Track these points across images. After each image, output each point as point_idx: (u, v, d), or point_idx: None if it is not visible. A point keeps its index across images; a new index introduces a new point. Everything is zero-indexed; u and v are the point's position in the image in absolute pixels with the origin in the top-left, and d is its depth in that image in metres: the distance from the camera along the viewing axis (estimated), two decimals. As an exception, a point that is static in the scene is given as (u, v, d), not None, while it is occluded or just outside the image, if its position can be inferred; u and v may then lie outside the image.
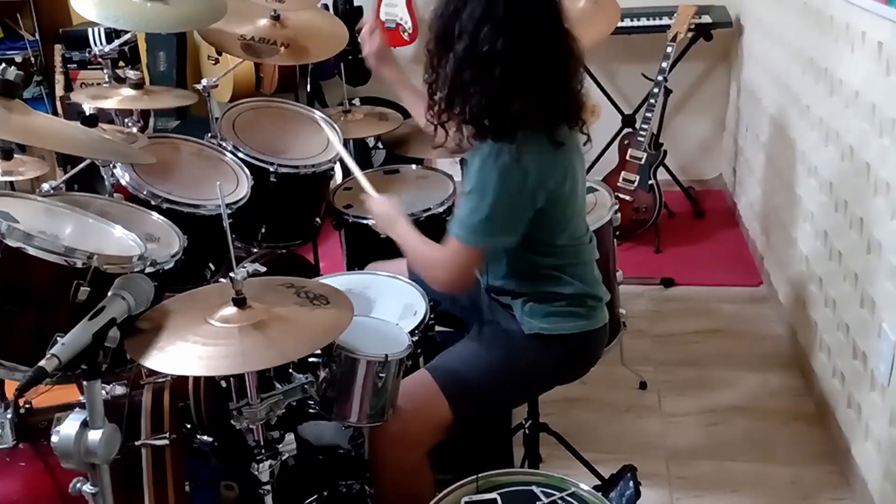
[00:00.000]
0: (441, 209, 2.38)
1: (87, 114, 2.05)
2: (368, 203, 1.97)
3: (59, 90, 4.03)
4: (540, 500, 1.48)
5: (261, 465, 1.54)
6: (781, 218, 3.07)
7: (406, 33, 4.09)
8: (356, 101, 3.15)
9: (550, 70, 1.60)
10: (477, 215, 1.62)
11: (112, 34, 3.90)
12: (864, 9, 2.22)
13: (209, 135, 2.35)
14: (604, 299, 1.83)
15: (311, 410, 1.73)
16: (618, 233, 2.25)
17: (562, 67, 1.62)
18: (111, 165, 2.04)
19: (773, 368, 2.80)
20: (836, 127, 2.46)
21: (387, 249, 2.35)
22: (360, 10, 4.13)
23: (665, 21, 3.69)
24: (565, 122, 1.66)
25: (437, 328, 2.02)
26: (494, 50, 1.55)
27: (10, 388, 1.55)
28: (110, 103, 2.24)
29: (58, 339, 1.21)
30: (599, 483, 2.04)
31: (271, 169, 2.28)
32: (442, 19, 1.63)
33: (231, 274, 1.44)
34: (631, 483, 1.74)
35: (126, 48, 3.74)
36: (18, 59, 4.18)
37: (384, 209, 1.91)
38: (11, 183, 2.48)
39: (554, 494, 1.49)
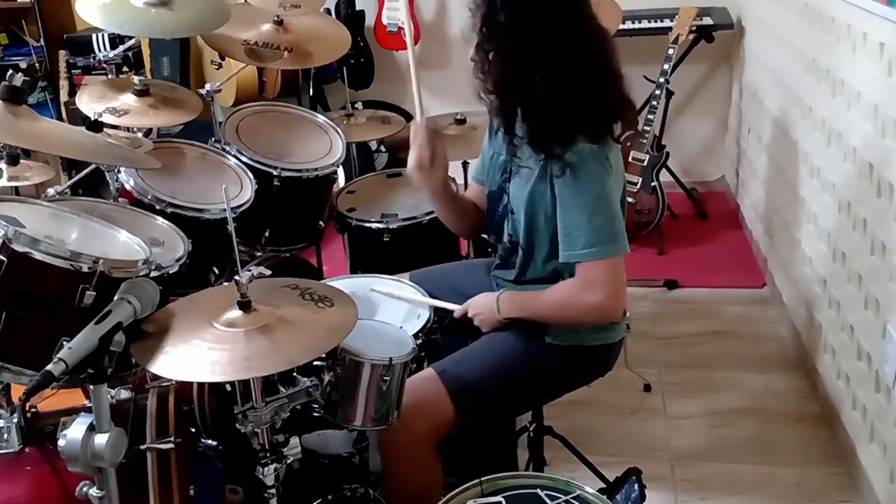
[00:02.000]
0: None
1: (93, 119, 2.06)
2: (470, 311, 1.84)
3: (64, 96, 4.04)
4: (545, 503, 1.48)
5: (266, 468, 1.54)
6: (785, 219, 3.07)
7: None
8: (358, 105, 3.17)
9: (610, 73, 1.65)
10: (607, 221, 1.61)
11: (116, 40, 3.92)
12: (865, 10, 2.22)
13: (213, 139, 2.36)
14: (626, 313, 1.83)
15: (315, 414, 1.73)
16: (621, 235, 2.25)
17: (607, 67, 1.66)
18: (116, 170, 2.05)
19: (777, 370, 2.80)
20: (839, 128, 2.46)
21: (389, 255, 2.36)
22: (362, 14, 4.14)
23: (666, 23, 3.69)
24: (620, 121, 1.68)
25: (442, 332, 2.02)
26: (573, 55, 1.60)
27: (17, 393, 1.55)
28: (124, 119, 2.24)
29: (64, 343, 1.22)
30: (604, 486, 2.04)
31: (275, 173, 2.28)
32: (508, 35, 1.64)
33: (236, 277, 1.45)
34: (636, 486, 1.74)
35: (130, 53, 3.75)
36: (23, 64, 4.19)
37: (484, 301, 1.81)
38: (17, 188, 2.49)
39: (559, 497, 1.49)
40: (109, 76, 2.49)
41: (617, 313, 1.70)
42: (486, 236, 2.05)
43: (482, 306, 1.81)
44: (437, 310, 1.91)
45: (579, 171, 1.61)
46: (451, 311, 1.87)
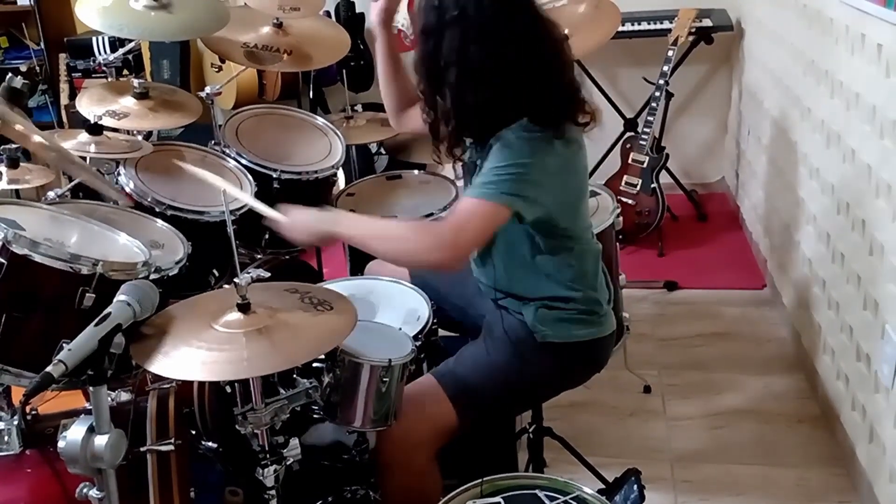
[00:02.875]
0: (444, 214, 2.39)
1: (93, 122, 2.06)
2: (282, 224, 1.70)
3: (64, 99, 4.05)
4: (544, 503, 1.48)
5: (265, 470, 1.55)
6: (784, 220, 3.07)
7: (408, 39, 4.10)
8: (358, 108, 3.17)
9: (542, 72, 1.61)
10: (505, 172, 1.55)
11: (116, 43, 3.93)
12: (863, 11, 2.23)
13: (213, 142, 2.36)
14: (611, 302, 1.84)
15: (315, 416, 1.73)
16: (620, 237, 2.25)
17: (550, 66, 1.63)
18: (116, 173, 2.05)
19: (777, 371, 2.80)
20: (838, 129, 2.46)
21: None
22: (361, 16, 4.15)
23: (666, 25, 3.69)
24: (571, 121, 1.66)
25: (441, 333, 2.03)
26: (485, 66, 1.57)
27: (17, 395, 1.56)
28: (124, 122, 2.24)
29: (64, 345, 1.22)
30: (604, 487, 2.04)
31: (274, 175, 2.29)
32: (426, 59, 1.64)
33: (235, 279, 1.45)
34: (635, 486, 1.74)
35: (130, 56, 3.76)
36: (23, 67, 4.21)
37: (305, 215, 1.69)
38: (17, 191, 2.49)
39: (558, 498, 1.49)
40: (109, 79, 2.50)
41: (451, 260, 1.55)
42: None
43: (307, 221, 1.68)
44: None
45: (508, 141, 1.58)
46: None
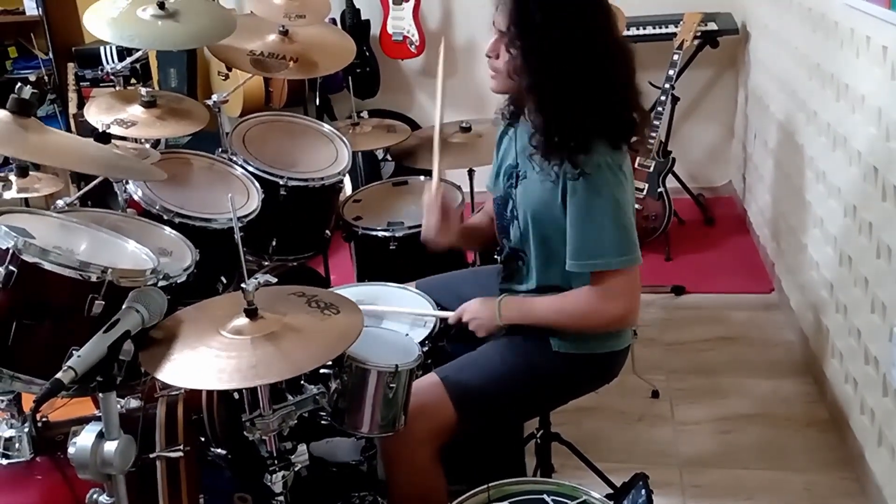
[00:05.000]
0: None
1: (101, 130, 2.08)
2: (465, 316, 1.82)
3: (73, 108, 4.07)
4: (551, 508, 1.49)
5: (274, 476, 1.55)
6: (791, 224, 3.07)
7: (413, 46, 4.12)
8: (364, 114, 3.18)
9: (625, 93, 1.65)
10: (625, 231, 1.63)
11: (123, 52, 3.94)
12: (868, 14, 2.23)
13: (220, 149, 2.38)
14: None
15: (322, 422, 1.74)
16: (627, 241, 2.25)
17: (630, 79, 1.67)
18: (124, 181, 2.07)
19: (785, 375, 2.79)
20: (844, 132, 2.46)
21: (396, 263, 2.37)
22: (367, 23, 4.16)
23: (671, 29, 3.70)
24: (634, 134, 1.69)
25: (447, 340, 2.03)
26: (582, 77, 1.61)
27: (27, 402, 1.57)
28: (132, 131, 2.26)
29: (73, 352, 1.23)
30: (612, 492, 2.04)
31: (281, 182, 2.30)
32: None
33: (242, 285, 1.46)
34: (643, 491, 1.73)
35: (137, 65, 3.78)
36: (32, 77, 4.24)
37: (482, 305, 1.79)
38: (26, 199, 2.51)
39: (565, 503, 1.49)
40: (117, 88, 2.52)
41: (635, 321, 1.74)
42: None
43: (479, 311, 1.80)
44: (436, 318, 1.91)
45: (596, 179, 1.61)
46: (446, 319, 1.86)
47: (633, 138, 1.68)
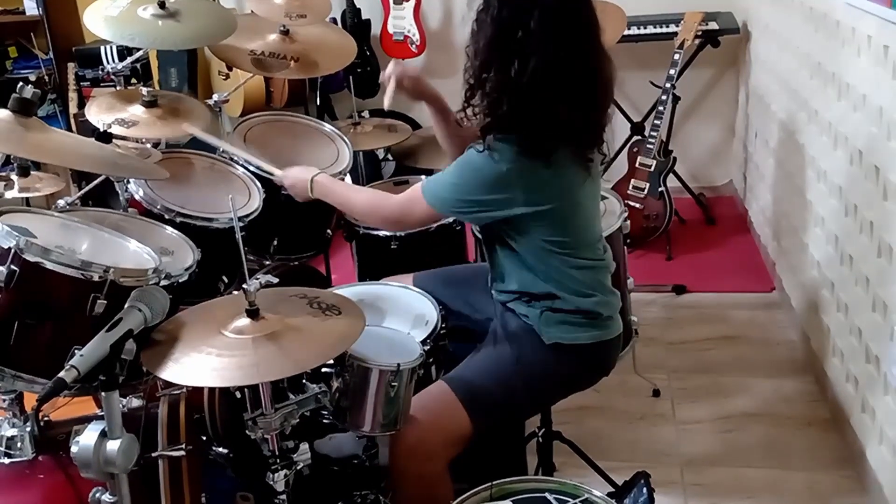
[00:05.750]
0: (451, 219, 2.39)
1: (102, 130, 2.08)
2: (282, 179, 2.08)
3: (73, 108, 4.07)
4: (553, 506, 1.49)
5: (276, 474, 1.55)
6: (792, 223, 3.07)
7: (414, 45, 4.12)
8: (365, 114, 3.18)
9: (583, 84, 1.64)
10: (453, 188, 1.70)
11: (124, 51, 3.95)
12: (869, 13, 2.23)
13: (221, 149, 2.37)
14: (617, 308, 1.85)
15: (324, 420, 1.74)
16: (628, 240, 2.25)
17: (594, 86, 1.67)
18: (125, 181, 2.07)
19: (786, 374, 2.79)
20: (845, 131, 2.46)
21: (397, 263, 2.37)
22: (368, 23, 4.17)
23: (672, 28, 3.70)
24: (589, 146, 1.71)
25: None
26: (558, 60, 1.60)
27: (29, 402, 1.57)
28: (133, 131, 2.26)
29: (76, 351, 1.23)
30: (613, 490, 2.04)
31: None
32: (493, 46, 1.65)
33: (244, 285, 1.46)
34: (644, 490, 1.73)
35: (138, 65, 3.78)
36: (32, 77, 4.24)
37: (297, 172, 2.03)
38: (27, 199, 2.51)
39: (567, 501, 1.49)
40: (118, 88, 2.52)
41: (389, 227, 2.12)
42: None
43: (297, 179, 2.02)
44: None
45: (483, 154, 1.64)
46: (274, 175, 2.12)
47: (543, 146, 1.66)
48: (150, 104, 2.31)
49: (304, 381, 1.64)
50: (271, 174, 2.15)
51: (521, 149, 1.62)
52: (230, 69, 3.95)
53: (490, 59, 1.63)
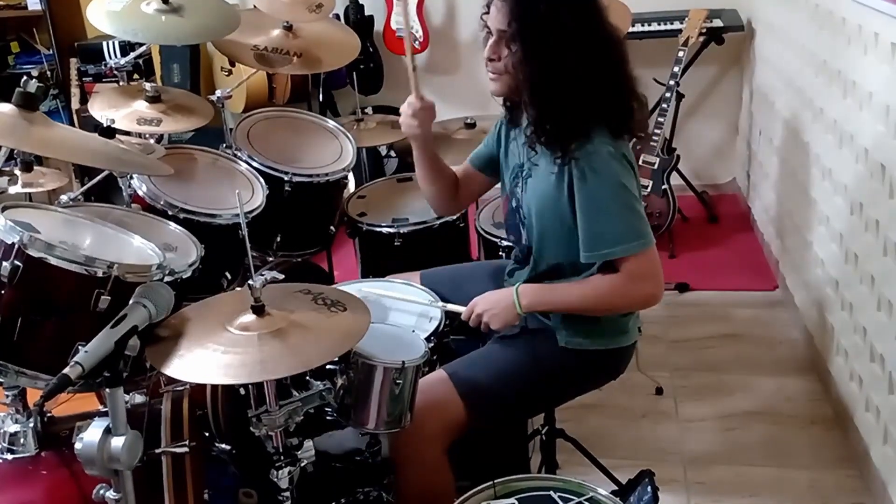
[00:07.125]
0: (454, 216, 2.39)
1: (105, 125, 2.07)
2: (478, 308, 1.78)
3: (75, 103, 4.07)
4: (558, 504, 1.48)
5: (280, 472, 1.55)
6: (796, 221, 3.06)
7: (417, 42, 4.12)
8: (368, 110, 3.18)
9: (621, 81, 1.67)
10: (637, 215, 1.66)
11: (127, 47, 3.94)
12: (876, 10, 2.22)
13: (224, 145, 2.37)
14: (639, 316, 1.85)
15: (328, 417, 1.73)
16: (632, 238, 2.24)
17: (625, 76, 1.69)
18: (129, 176, 2.06)
19: (790, 373, 2.79)
20: (850, 129, 2.45)
21: (400, 259, 2.37)
22: (371, 19, 4.16)
23: (676, 26, 3.69)
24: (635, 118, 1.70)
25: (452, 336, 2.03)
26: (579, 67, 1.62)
27: (32, 398, 1.56)
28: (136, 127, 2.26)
29: (80, 347, 1.23)
30: (617, 488, 2.04)
31: (286, 178, 2.30)
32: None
33: (249, 282, 1.46)
34: (649, 488, 1.73)
35: (140, 61, 3.77)
36: (35, 72, 4.23)
37: (497, 296, 1.76)
38: (30, 195, 2.51)
39: (572, 499, 1.49)
40: (120, 83, 2.51)
41: (660, 297, 1.72)
42: (506, 236, 2.05)
43: (494, 302, 1.75)
44: (446, 312, 1.90)
45: (600, 170, 1.62)
46: (460, 314, 1.83)
47: (632, 126, 1.69)
48: (153, 100, 2.31)
49: (308, 378, 1.63)
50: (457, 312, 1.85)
51: (610, 133, 1.64)
52: (233, 65, 3.94)
53: (548, 74, 1.62)
